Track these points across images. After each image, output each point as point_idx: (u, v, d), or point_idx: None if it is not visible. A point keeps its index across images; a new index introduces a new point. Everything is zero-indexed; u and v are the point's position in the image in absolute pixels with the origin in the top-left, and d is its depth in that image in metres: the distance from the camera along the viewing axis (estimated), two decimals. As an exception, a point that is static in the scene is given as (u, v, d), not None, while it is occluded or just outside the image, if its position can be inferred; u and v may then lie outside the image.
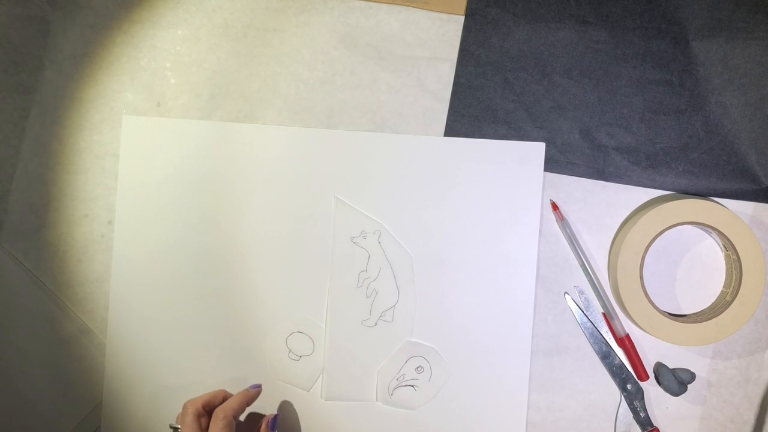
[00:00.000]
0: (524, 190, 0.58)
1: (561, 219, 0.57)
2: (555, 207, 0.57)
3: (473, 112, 0.58)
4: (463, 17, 0.59)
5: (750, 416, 0.58)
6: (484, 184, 0.58)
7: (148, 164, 0.58)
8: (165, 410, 0.58)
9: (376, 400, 0.58)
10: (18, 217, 0.59)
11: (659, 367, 0.57)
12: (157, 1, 0.59)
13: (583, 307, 0.58)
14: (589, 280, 0.57)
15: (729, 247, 0.56)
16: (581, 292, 0.58)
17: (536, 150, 0.58)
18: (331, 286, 0.58)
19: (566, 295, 0.58)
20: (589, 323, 0.57)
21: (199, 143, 0.58)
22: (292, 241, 0.58)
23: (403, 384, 0.57)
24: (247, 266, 0.58)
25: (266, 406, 0.58)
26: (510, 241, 0.57)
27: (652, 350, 0.58)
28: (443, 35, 0.59)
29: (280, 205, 0.58)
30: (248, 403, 0.53)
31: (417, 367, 0.57)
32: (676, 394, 0.57)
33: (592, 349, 0.58)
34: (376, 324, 0.58)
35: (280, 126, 0.58)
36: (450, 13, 0.59)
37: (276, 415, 0.55)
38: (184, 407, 0.51)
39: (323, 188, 0.58)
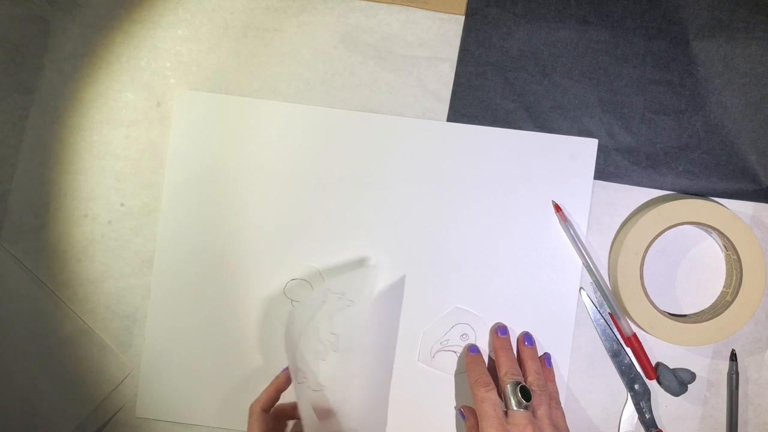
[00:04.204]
0: (574, 186, 0.57)
1: (564, 220, 0.57)
2: (557, 208, 0.57)
3: (473, 112, 0.58)
4: (463, 17, 0.59)
5: (750, 416, 0.58)
6: (533, 178, 0.58)
7: (199, 140, 0.59)
8: (202, 384, 0.59)
9: (418, 360, 0.58)
10: (18, 217, 0.59)
11: (659, 367, 0.57)
12: (157, 1, 0.59)
13: (597, 304, 0.58)
14: (594, 281, 0.57)
15: (729, 247, 0.56)
16: (595, 290, 0.58)
17: (588, 146, 0.58)
18: (299, 340, 0.56)
19: (582, 290, 0.58)
20: (602, 320, 0.57)
21: (256, 121, 0.59)
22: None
23: (446, 348, 0.58)
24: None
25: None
26: (556, 236, 0.58)
27: (652, 350, 0.58)
28: (443, 35, 0.59)
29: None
30: (280, 391, 0.55)
31: (462, 335, 0.58)
32: (676, 394, 0.57)
33: (594, 349, 0.58)
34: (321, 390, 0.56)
35: (341, 109, 0.59)
36: (450, 13, 0.59)
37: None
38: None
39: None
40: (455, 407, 0.58)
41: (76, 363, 0.58)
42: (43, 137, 0.59)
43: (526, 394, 0.51)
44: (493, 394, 0.51)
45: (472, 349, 0.57)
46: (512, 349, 0.56)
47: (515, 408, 0.50)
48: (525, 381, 0.53)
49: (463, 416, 0.55)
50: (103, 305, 0.59)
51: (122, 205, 0.59)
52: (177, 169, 0.59)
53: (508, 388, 0.51)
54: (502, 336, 0.56)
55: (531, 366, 0.54)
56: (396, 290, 0.58)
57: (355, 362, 0.56)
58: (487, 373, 0.54)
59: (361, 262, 0.58)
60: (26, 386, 0.58)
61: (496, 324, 0.58)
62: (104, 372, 0.58)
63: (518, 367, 0.54)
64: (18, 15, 0.59)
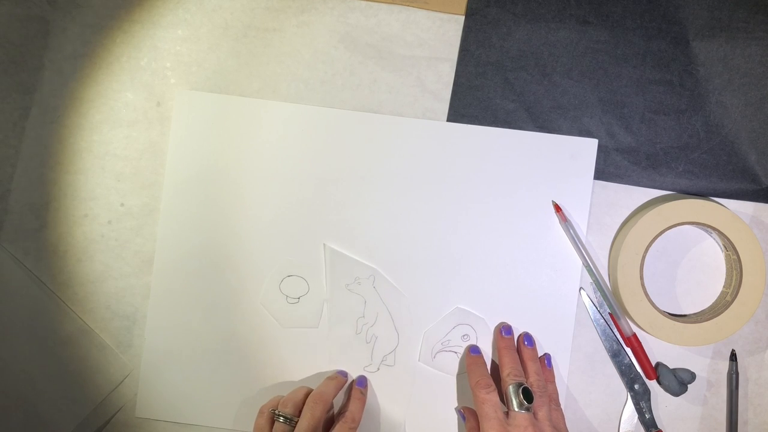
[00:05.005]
0: (574, 186, 0.57)
1: (564, 220, 0.57)
2: (558, 208, 0.57)
3: (473, 112, 0.58)
4: (463, 17, 0.59)
5: (750, 416, 0.58)
6: (533, 178, 0.58)
7: (199, 140, 0.59)
8: (202, 384, 0.59)
9: (419, 360, 0.58)
10: (18, 217, 0.59)
11: (659, 367, 0.57)
12: (157, 1, 0.59)
13: (597, 304, 0.58)
14: (594, 281, 0.57)
15: (729, 247, 0.56)
16: (595, 290, 0.58)
17: (588, 146, 0.58)
18: (330, 334, 0.58)
19: (581, 290, 0.58)
20: (602, 320, 0.57)
21: (256, 121, 0.59)
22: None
23: (447, 349, 0.58)
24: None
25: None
26: (556, 236, 0.58)
27: (652, 350, 0.58)
28: (443, 35, 0.59)
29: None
30: (339, 389, 0.56)
31: (463, 335, 0.58)
32: (676, 394, 0.57)
33: (594, 349, 0.58)
34: (378, 369, 0.58)
35: (347, 111, 0.59)
36: (450, 13, 0.59)
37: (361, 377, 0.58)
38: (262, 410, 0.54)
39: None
40: (456, 408, 0.58)
41: (76, 363, 0.58)
42: (43, 137, 0.59)
43: (528, 395, 0.51)
44: (494, 396, 0.51)
45: (473, 350, 0.57)
46: (515, 349, 0.56)
47: (516, 409, 0.50)
48: (526, 382, 0.53)
49: (464, 417, 0.55)
50: (103, 305, 0.59)
51: (122, 205, 0.59)
52: (177, 169, 0.59)
53: (511, 389, 0.51)
54: (507, 336, 0.56)
55: (531, 367, 0.54)
56: (397, 290, 0.58)
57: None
58: (488, 375, 0.54)
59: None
60: (26, 386, 0.58)
61: (501, 323, 0.58)
62: (104, 372, 0.58)
63: (521, 368, 0.54)
64: (18, 15, 0.59)
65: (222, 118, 0.59)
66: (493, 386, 0.52)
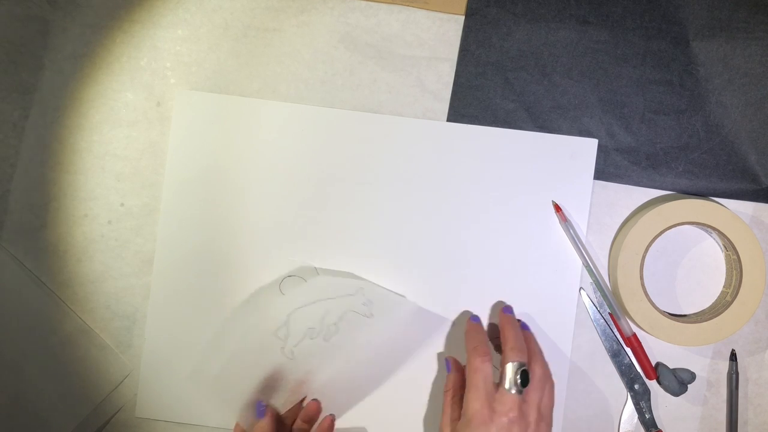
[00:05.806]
0: (574, 186, 0.57)
1: (564, 220, 0.57)
2: (557, 208, 0.57)
3: (473, 112, 0.58)
4: (463, 17, 0.59)
5: (750, 416, 0.58)
6: (533, 178, 0.58)
7: (199, 140, 0.59)
8: (202, 384, 0.58)
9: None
10: (18, 217, 0.59)
11: (659, 367, 0.57)
12: (157, 1, 0.59)
13: (597, 304, 0.58)
14: (594, 281, 0.57)
15: (729, 247, 0.56)
16: (595, 290, 0.58)
17: (588, 146, 0.58)
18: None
19: (581, 290, 0.58)
20: (602, 320, 0.57)
21: (255, 121, 0.59)
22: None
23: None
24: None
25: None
26: (556, 236, 0.58)
27: (652, 350, 0.58)
28: (443, 35, 0.59)
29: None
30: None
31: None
32: (676, 394, 0.57)
33: (594, 349, 0.58)
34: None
35: (347, 110, 0.59)
36: (450, 13, 0.59)
37: (261, 404, 0.55)
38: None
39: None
40: (445, 357, 0.56)
41: (76, 363, 0.58)
42: (43, 137, 0.59)
43: (525, 379, 0.48)
44: (488, 367, 0.49)
45: (474, 318, 0.56)
46: (519, 328, 0.53)
47: (507, 387, 0.48)
48: (528, 364, 0.50)
49: (449, 367, 0.54)
50: (103, 305, 0.59)
51: (122, 205, 0.59)
52: (177, 169, 0.59)
53: (510, 367, 0.49)
54: (509, 313, 0.55)
55: (538, 354, 0.52)
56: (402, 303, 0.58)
57: (335, 363, 0.57)
58: (488, 343, 0.51)
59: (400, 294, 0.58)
60: (26, 386, 0.58)
61: (501, 303, 0.57)
62: (104, 372, 0.58)
63: (525, 348, 0.51)
64: (18, 15, 0.59)
65: (222, 118, 0.59)
66: (490, 356, 0.50)
